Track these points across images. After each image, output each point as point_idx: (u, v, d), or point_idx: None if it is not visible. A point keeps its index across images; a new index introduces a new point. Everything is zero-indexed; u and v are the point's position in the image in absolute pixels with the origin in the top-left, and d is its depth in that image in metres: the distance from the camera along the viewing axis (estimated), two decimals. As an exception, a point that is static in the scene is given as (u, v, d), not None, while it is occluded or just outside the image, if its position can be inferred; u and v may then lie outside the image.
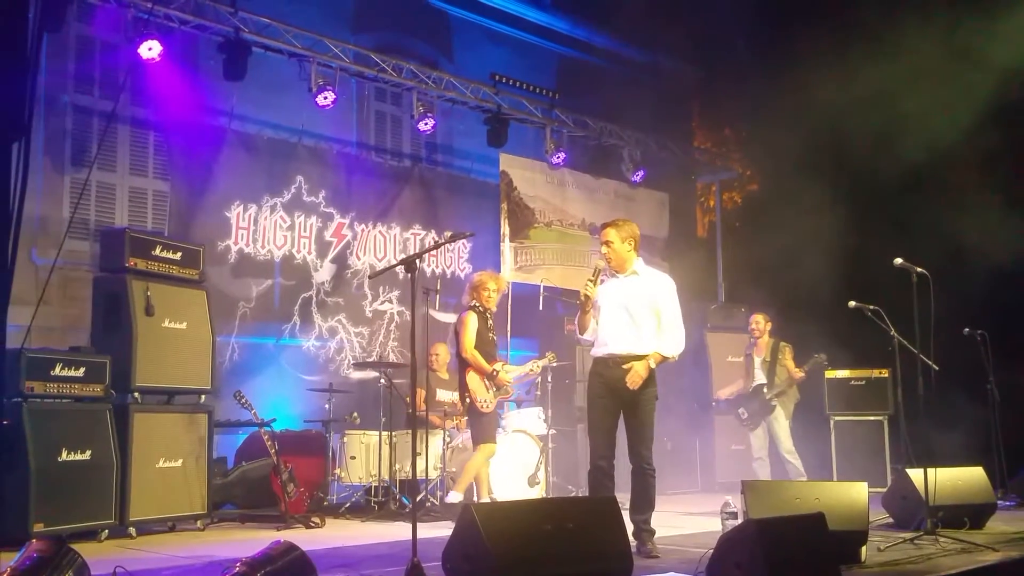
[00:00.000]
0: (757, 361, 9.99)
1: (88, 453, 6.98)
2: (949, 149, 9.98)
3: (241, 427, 9.16)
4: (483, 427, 8.27)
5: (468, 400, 8.22)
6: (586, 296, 6.40)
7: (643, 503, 6.46)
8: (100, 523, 7.04)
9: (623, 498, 6.33)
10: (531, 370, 8.80)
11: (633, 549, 6.06)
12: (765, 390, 9.83)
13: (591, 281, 6.42)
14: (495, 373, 8.28)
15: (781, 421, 9.84)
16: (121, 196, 9.97)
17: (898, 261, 7.05)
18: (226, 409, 8.80)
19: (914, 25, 9.87)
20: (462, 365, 8.30)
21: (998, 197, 10.16)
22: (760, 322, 10.07)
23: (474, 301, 8.44)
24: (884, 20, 10.45)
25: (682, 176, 14.88)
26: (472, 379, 8.23)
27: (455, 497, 8.12)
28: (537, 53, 13.69)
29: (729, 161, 15.42)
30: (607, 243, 6.56)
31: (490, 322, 8.49)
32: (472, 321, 8.33)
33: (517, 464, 9.04)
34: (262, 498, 8.64)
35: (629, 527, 6.25)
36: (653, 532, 6.41)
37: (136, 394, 7.48)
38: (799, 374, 9.86)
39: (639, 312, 6.49)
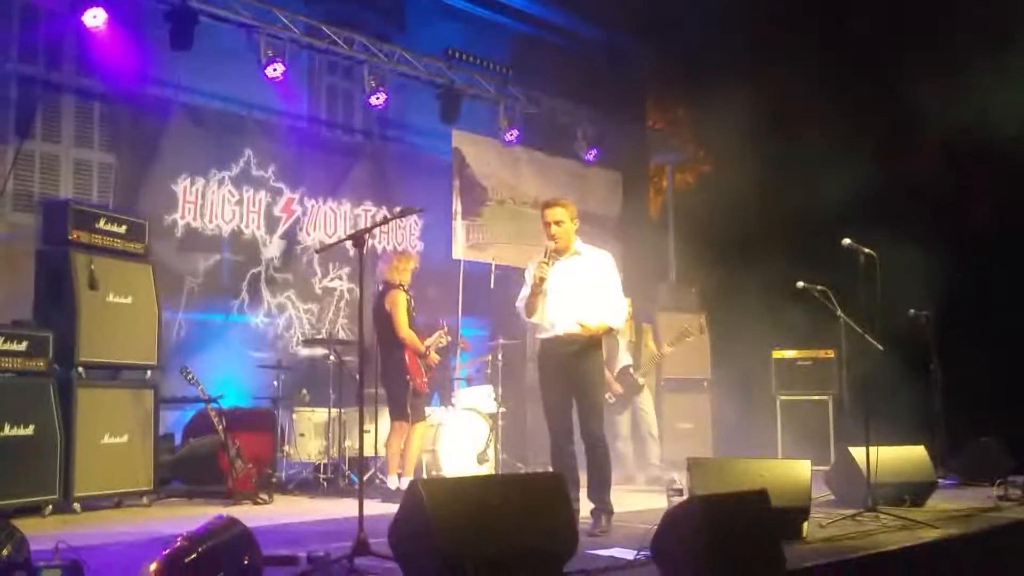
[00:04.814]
0: (622, 343, 10.04)
1: (31, 428, 6.89)
2: (908, 125, 10.07)
3: (188, 403, 9.07)
4: (419, 406, 8.37)
5: (409, 381, 8.21)
6: (542, 279, 6.31)
7: (599, 482, 6.42)
8: (44, 499, 6.96)
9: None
10: (438, 342, 8.62)
11: (588, 526, 6.15)
12: (632, 370, 9.95)
13: (545, 263, 6.32)
14: (427, 351, 8.34)
15: (648, 400, 10.15)
16: (66, 168, 9.76)
17: (846, 241, 7.11)
18: (173, 385, 8.70)
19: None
20: (394, 346, 8.25)
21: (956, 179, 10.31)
22: None
23: (397, 279, 8.42)
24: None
25: (635, 156, 14.89)
26: (411, 360, 8.25)
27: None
28: (491, 28, 13.54)
29: (682, 141, 15.44)
30: (558, 223, 6.43)
31: (411, 301, 8.48)
32: (402, 300, 8.32)
33: (466, 442, 9.05)
34: (210, 474, 8.56)
35: (588, 507, 6.31)
36: (611, 513, 6.39)
37: (80, 369, 7.38)
38: (661, 351, 10.18)
39: (584, 293, 6.43)
